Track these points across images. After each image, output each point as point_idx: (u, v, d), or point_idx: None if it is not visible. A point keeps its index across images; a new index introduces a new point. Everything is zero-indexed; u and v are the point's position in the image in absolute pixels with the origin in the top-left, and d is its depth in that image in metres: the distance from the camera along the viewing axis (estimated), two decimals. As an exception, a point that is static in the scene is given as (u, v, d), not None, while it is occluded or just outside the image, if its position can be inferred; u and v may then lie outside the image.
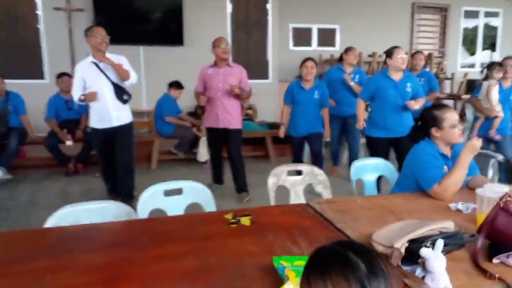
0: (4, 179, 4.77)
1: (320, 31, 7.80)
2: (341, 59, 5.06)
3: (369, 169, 2.61)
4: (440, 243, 1.21)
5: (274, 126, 6.31)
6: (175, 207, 2.15)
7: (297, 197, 2.49)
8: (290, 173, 2.52)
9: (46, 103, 5.14)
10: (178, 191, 2.18)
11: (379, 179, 2.92)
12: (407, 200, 2.01)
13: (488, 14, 9.01)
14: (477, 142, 2.06)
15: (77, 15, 6.03)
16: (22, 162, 5.32)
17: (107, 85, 3.71)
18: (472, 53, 9.44)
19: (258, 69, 7.01)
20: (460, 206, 1.87)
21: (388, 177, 2.64)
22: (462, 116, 6.71)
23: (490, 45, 9.30)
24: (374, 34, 7.85)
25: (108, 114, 3.78)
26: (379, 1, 7.99)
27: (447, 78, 7.86)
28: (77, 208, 1.86)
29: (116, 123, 3.82)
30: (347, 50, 4.89)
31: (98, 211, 1.89)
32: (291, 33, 7.67)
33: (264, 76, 7.09)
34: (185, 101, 6.05)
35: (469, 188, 2.15)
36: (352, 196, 2.20)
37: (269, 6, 6.88)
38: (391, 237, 1.33)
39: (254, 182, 4.33)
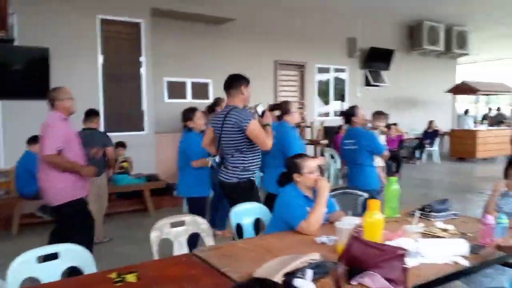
0: None
1: (194, 84, 8.14)
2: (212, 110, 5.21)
3: (246, 213, 2.81)
4: (309, 272, 1.41)
5: (152, 178, 6.25)
6: (51, 274, 2.03)
7: (181, 248, 2.54)
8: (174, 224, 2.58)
9: None
10: (54, 256, 2.07)
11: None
12: (280, 239, 2.24)
13: (337, 70, 10.52)
14: (325, 182, 2.43)
15: None
16: None
17: None
18: (326, 103, 10.80)
19: (132, 121, 6.95)
20: (324, 239, 2.16)
21: (264, 219, 2.88)
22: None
23: (340, 96, 10.79)
24: (243, 87, 8.48)
25: None
26: (246, 58, 8.73)
27: (307, 126, 8.85)
28: None
29: None
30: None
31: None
32: (165, 86, 7.84)
33: (139, 128, 7.05)
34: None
35: (330, 222, 2.49)
36: (234, 241, 2.35)
37: (142, 59, 6.99)
38: (269, 273, 1.50)
39: (135, 237, 4.22)
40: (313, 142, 8.31)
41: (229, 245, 2.15)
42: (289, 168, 2.55)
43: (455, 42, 11.92)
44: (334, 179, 6.80)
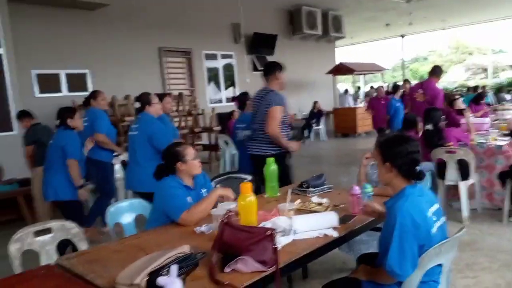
0: None
1: (69, 76, 7.44)
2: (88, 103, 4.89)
3: (125, 211, 2.62)
4: (173, 268, 1.32)
5: (26, 183, 5.58)
6: None
7: (49, 259, 2.27)
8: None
9: None
10: None
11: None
12: (158, 234, 2.12)
13: (224, 56, 10.51)
14: (228, 192, 2.38)
15: None
16: None
17: None
18: (218, 89, 10.78)
19: (-2, 121, 6.14)
20: (203, 228, 2.09)
21: (146, 215, 2.70)
22: (216, 145, 7.53)
23: (231, 82, 10.84)
24: (126, 78, 8.02)
25: None
26: (127, 46, 8.24)
27: (199, 114, 8.72)
28: None
29: None
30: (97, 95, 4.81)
31: None
32: (35, 80, 7.03)
33: (7, 128, 6.25)
34: None
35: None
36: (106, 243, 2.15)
37: (1, 50, 6.14)
38: (132, 274, 1.38)
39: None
40: (206, 129, 8.23)
41: (97, 249, 1.96)
42: (169, 158, 2.43)
43: (331, 26, 12.73)
44: (229, 165, 6.81)
